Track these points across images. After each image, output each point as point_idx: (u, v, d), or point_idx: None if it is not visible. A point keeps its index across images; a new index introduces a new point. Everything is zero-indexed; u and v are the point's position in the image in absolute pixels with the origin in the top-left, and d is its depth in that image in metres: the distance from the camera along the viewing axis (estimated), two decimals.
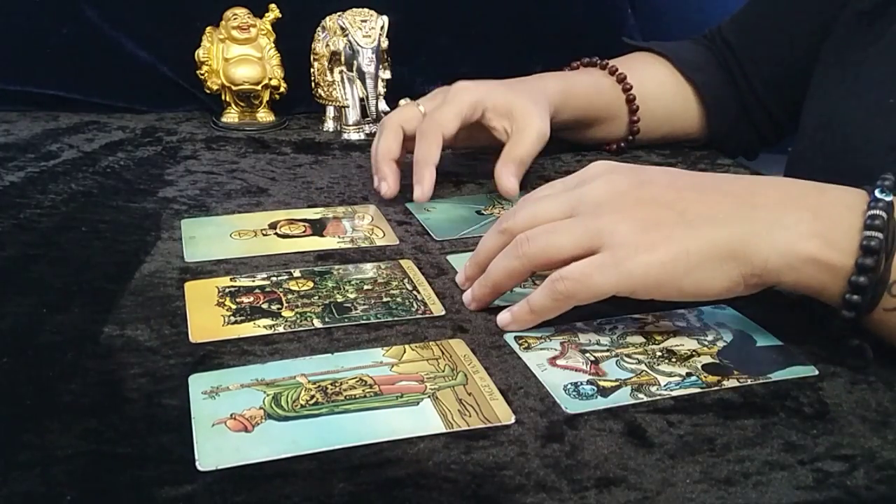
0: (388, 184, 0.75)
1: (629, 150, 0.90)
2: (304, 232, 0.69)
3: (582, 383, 0.49)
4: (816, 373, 0.51)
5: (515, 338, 0.54)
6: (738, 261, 0.49)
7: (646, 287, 0.50)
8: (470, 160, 0.86)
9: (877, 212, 0.48)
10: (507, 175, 0.74)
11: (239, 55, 0.95)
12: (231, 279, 0.61)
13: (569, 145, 0.90)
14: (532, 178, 0.83)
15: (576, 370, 0.51)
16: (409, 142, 0.77)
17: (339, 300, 0.58)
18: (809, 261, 0.48)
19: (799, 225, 0.49)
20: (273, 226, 0.70)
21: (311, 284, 0.60)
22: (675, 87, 0.89)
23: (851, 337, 0.50)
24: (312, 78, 0.96)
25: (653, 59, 0.90)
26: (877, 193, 0.49)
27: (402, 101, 0.84)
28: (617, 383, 0.49)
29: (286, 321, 0.55)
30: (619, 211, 0.52)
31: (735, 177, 0.55)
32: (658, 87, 0.88)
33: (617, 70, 0.86)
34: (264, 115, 0.98)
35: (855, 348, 0.51)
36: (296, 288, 0.59)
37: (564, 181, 0.58)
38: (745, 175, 0.55)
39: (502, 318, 0.55)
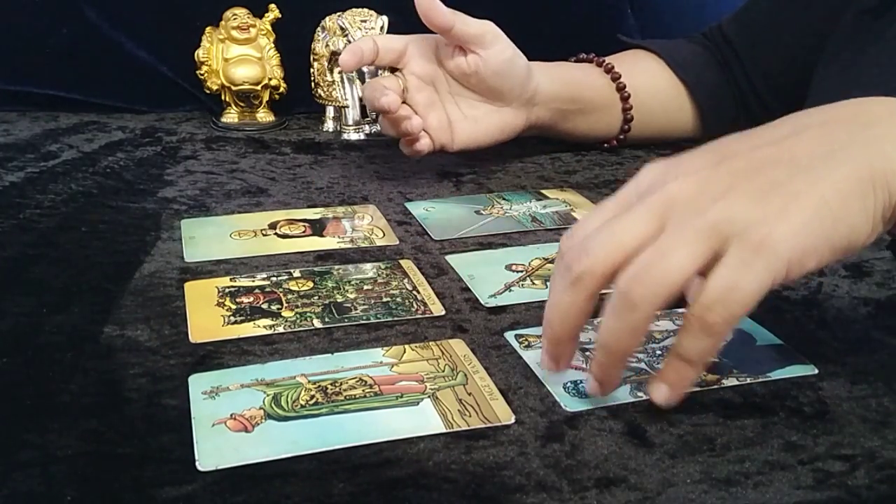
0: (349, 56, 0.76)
1: (628, 149, 0.90)
2: (303, 232, 0.69)
3: (582, 382, 0.49)
4: (816, 372, 0.51)
5: (516, 336, 0.54)
6: (877, 191, 0.41)
7: (801, 261, 0.40)
8: (470, 160, 0.86)
9: None
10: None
11: (239, 55, 0.95)
12: (231, 279, 0.61)
13: (567, 145, 0.90)
14: (532, 179, 0.83)
15: (576, 369, 0.51)
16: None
17: (338, 300, 0.58)
18: None
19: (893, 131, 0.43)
20: (273, 226, 0.70)
21: (310, 284, 0.60)
22: (668, 83, 0.89)
23: None
24: (312, 78, 0.96)
25: (647, 57, 0.90)
26: None
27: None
28: None
29: (286, 321, 0.55)
30: (722, 196, 0.41)
31: (811, 110, 0.46)
32: (651, 82, 0.88)
33: (607, 63, 0.86)
34: (264, 116, 0.98)
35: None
36: (296, 288, 0.59)
37: (622, 194, 0.46)
38: (812, 109, 0.46)
39: (659, 393, 0.44)
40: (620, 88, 0.86)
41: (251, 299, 0.58)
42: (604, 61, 0.87)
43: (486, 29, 0.76)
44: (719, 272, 0.40)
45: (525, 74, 0.79)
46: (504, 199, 0.77)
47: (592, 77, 0.86)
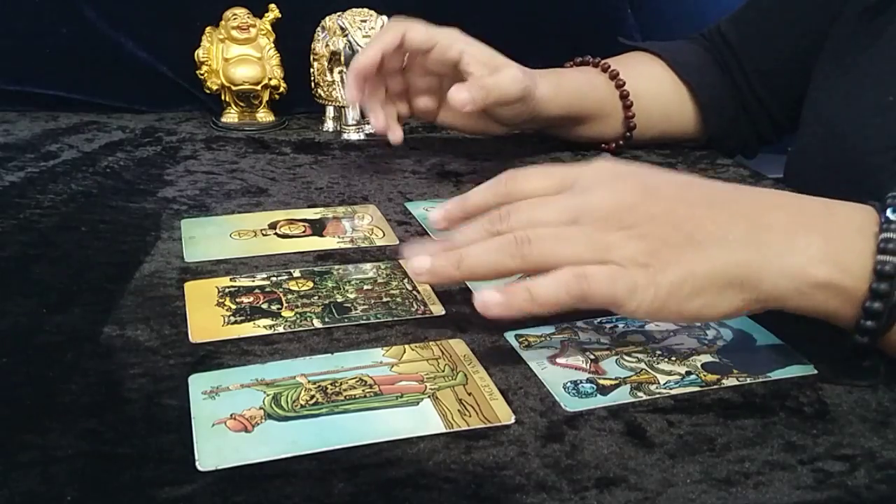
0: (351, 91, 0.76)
1: (628, 149, 0.90)
2: (303, 232, 0.69)
3: (582, 381, 0.49)
4: (816, 372, 0.51)
5: (516, 336, 0.54)
6: (744, 287, 0.47)
7: (649, 309, 0.48)
8: (470, 160, 0.86)
9: (890, 234, 0.46)
10: (460, 88, 0.73)
11: (239, 55, 0.95)
12: (231, 279, 0.61)
13: (568, 145, 0.90)
14: None
15: (576, 368, 0.51)
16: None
17: (338, 300, 0.58)
18: (821, 286, 0.47)
19: (809, 249, 0.47)
20: (273, 226, 0.70)
21: (310, 284, 0.60)
22: (670, 86, 0.89)
23: (863, 358, 0.49)
24: (312, 78, 0.96)
25: (648, 59, 0.90)
26: (888, 214, 0.47)
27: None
28: (616, 381, 0.49)
29: (286, 321, 0.55)
30: (626, 227, 0.48)
31: (744, 190, 0.52)
32: (652, 85, 0.88)
33: (610, 67, 0.86)
34: (264, 116, 0.98)
35: (866, 367, 0.50)
36: (296, 288, 0.59)
37: (563, 175, 0.53)
38: (752, 188, 0.52)
39: (488, 298, 0.49)
40: (624, 96, 0.85)
41: (251, 299, 0.58)
42: (607, 66, 0.86)
43: (510, 76, 0.76)
44: (608, 268, 0.48)
45: (528, 97, 0.78)
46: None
47: (595, 83, 0.85)
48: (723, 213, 0.49)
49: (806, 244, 0.47)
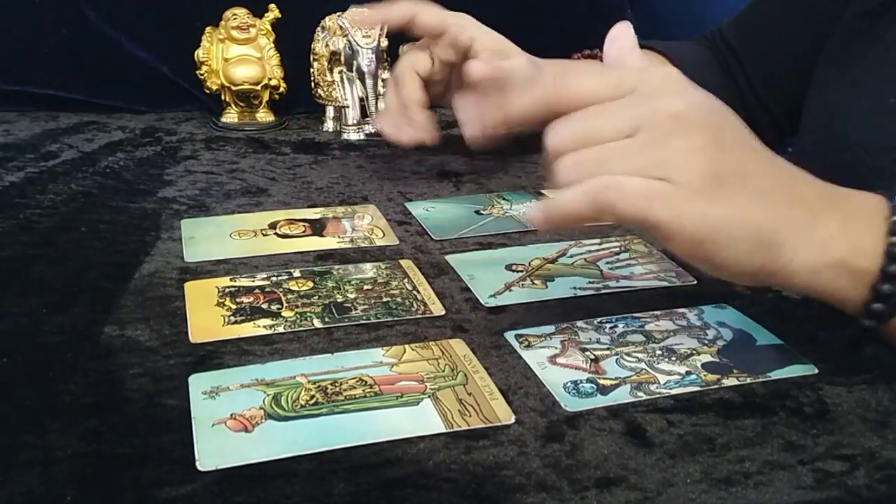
0: (415, 131, 0.75)
1: None
2: (303, 232, 0.69)
3: (582, 381, 0.49)
4: (816, 371, 0.51)
5: (516, 336, 0.54)
6: (770, 250, 0.47)
7: (691, 240, 0.46)
8: (470, 160, 0.86)
9: None
10: (476, 61, 0.70)
11: (238, 55, 0.95)
12: (231, 279, 0.61)
13: None
14: (532, 179, 0.83)
15: (576, 368, 0.51)
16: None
17: (338, 300, 0.58)
18: (835, 265, 0.47)
19: (830, 226, 0.47)
20: (273, 226, 0.70)
21: (310, 284, 0.60)
22: None
23: (864, 349, 0.50)
24: (312, 78, 0.96)
25: (652, 57, 0.90)
26: None
27: (402, 48, 0.84)
28: (617, 381, 0.49)
29: (286, 321, 0.55)
30: (692, 139, 0.46)
31: (781, 160, 0.50)
32: None
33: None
34: (264, 116, 0.98)
35: (868, 357, 0.50)
36: (296, 288, 0.59)
37: (620, 76, 0.49)
38: (782, 160, 0.50)
39: (534, 216, 0.49)
40: None
41: (251, 299, 0.58)
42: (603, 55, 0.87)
43: (521, 68, 0.75)
44: (646, 182, 0.45)
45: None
46: (504, 199, 0.77)
47: None
48: (769, 169, 0.48)
49: (827, 221, 0.47)
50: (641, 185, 0.45)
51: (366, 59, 0.88)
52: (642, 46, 0.91)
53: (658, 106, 0.47)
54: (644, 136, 0.46)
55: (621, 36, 0.53)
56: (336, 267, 0.63)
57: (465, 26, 0.75)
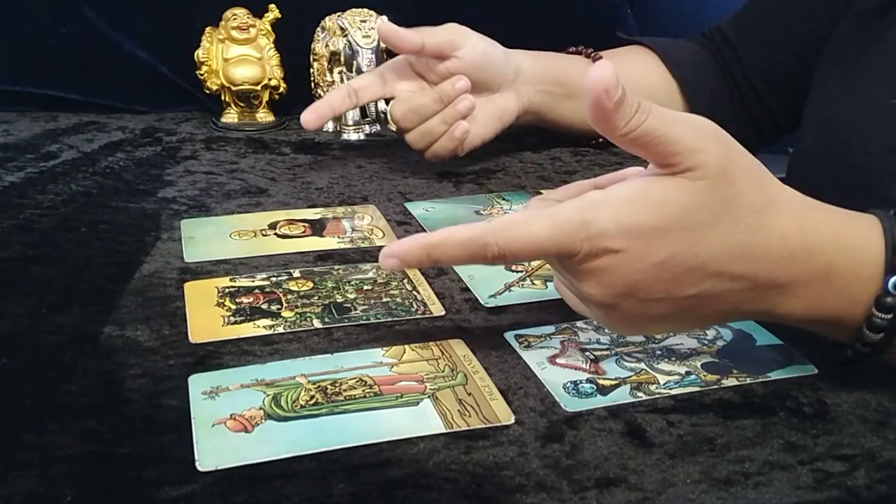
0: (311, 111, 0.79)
1: None
2: (303, 232, 0.69)
3: (581, 382, 0.49)
4: (816, 372, 0.51)
5: (516, 336, 0.54)
6: (728, 320, 0.52)
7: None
8: (469, 160, 0.86)
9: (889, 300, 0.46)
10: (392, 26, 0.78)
11: (238, 55, 0.95)
12: (231, 279, 0.61)
13: (566, 144, 0.90)
14: (532, 179, 0.83)
15: (576, 368, 0.51)
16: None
17: (338, 300, 0.58)
18: (819, 322, 0.48)
19: (816, 304, 0.47)
20: (273, 226, 0.70)
21: (310, 285, 0.60)
22: (659, 79, 0.89)
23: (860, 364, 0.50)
24: (312, 78, 0.96)
25: (642, 52, 0.90)
26: (890, 287, 0.46)
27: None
28: (616, 382, 0.49)
29: (286, 321, 0.55)
30: (601, 307, 0.47)
31: (749, 248, 0.45)
32: (640, 75, 0.88)
33: (593, 53, 0.87)
34: (264, 116, 0.98)
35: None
36: (295, 288, 0.59)
37: (562, 247, 0.45)
38: (769, 225, 0.46)
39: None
40: None
41: (251, 299, 0.58)
42: (592, 52, 0.88)
43: (452, 33, 0.79)
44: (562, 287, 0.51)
45: (503, 58, 0.82)
46: (504, 199, 0.77)
47: (580, 64, 0.86)
48: (718, 298, 0.46)
49: (792, 303, 0.47)
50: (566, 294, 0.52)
51: (365, 60, 0.88)
52: (637, 42, 0.91)
53: (585, 293, 0.46)
54: (563, 267, 0.47)
55: (599, 82, 0.46)
56: (336, 267, 0.63)
57: (453, 41, 0.79)
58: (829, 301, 0.47)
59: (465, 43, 0.79)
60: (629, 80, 0.92)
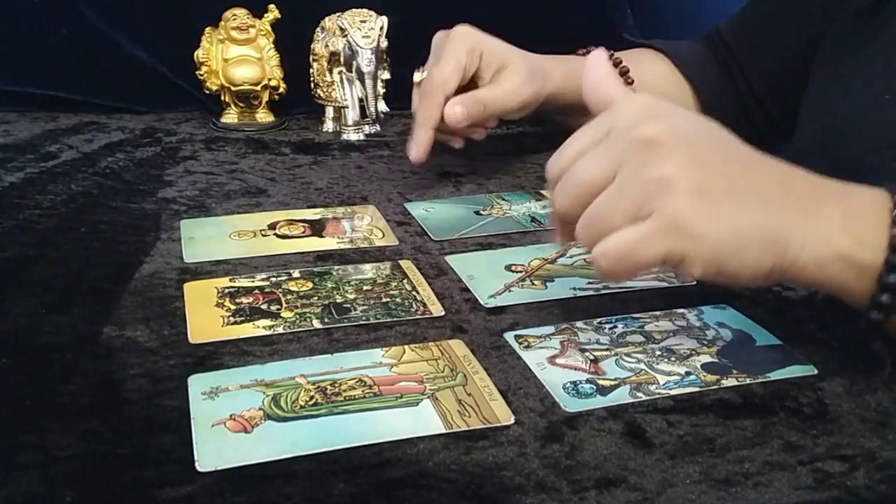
0: (417, 148, 0.76)
1: None
2: (303, 232, 0.69)
3: (581, 382, 0.49)
4: (816, 372, 0.51)
5: (516, 336, 0.54)
6: (776, 249, 0.46)
7: (701, 262, 0.46)
8: (469, 160, 0.86)
9: None
10: (454, 104, 0.74)
11: (238, 56, 0.95)
12: (230, 280, 0.61)
13: None
14: (532, 179, 0.83)
15: (575, 369, 0.51)
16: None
17: (338, 301, 0.58)
18: (840, 258, 0.47)
19: (831, 220, 0.47)
20: (272, 226, 0.70)
21: (310, 285, 0.60)
22: (673, 83, 0.89)
23: (874, 340, 0.49)
24: (312, 78, 0.96)
25: (653, 56, 0.90)
26: None
27: (416, 75, 0.84)
28: (616, 382, 0.49)
29: (285, 322, 0.55)
30: (667, 173, 0.46)
31: (768, 157, 0.50)
32: (657, 81, 0.88)
33: (621, 62, 0.86)
34: (264, 116, 0.98)
35: (875, 356, 0.49)
36: (295, 288, 0.59)
37: (596, 124, 0.50)
38: (776, 160, 0.50)
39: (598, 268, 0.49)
40: (629, 83, 0.86)
41: (251, 300, 0.58)
42: (619, 60, 0.87)
43: (507, 89, 0.77)
44: (626, 233, 0.46)
45: (531, 104, 0.80)
46: (504, 199, 0.77)
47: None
48: (757, 171, 0.48)
49: (828, 214, 0.47)
50: (620, 240, 0.47)
51: (365, 60, 0.88)
52: (644, 45, 0.92)
53: (630, 138, 0.47)
54: (623, 177, 0.47)
55: (597, 63, 0.54)
56: (335, 267, 0.63)
57: (472, 50, 0.77)
58: (857, 210, 0.47)
59: (514, 98, 0.78)
60: (644, 84, 0.93)
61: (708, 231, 0.45)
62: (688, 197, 0.45)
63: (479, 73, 0.77)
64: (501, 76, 0.77)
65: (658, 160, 0.46)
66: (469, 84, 0.78)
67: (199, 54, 0.95)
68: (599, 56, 0.54)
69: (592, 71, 0.54)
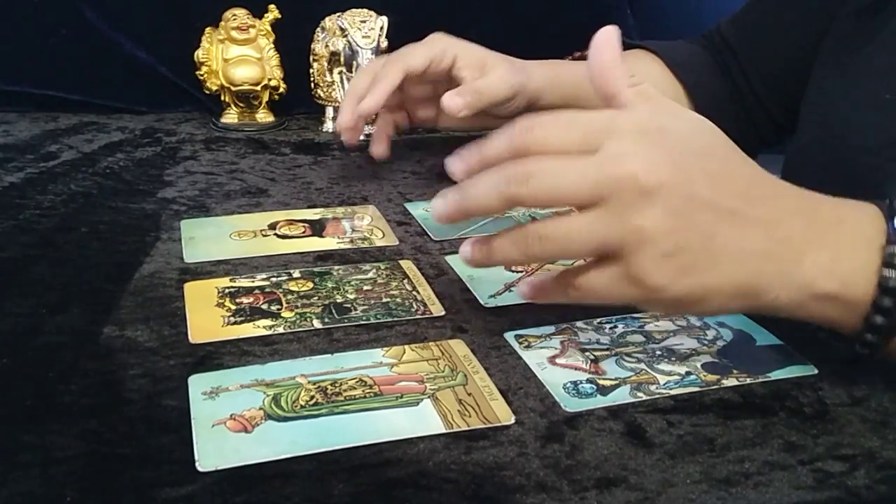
0: (342, 118, 0.77)
1: None
2: (303, 232, 0.69)
3: (581, 382, 0.49)
4: (816, 372, 0.51)
5: (516, 336, 0.54)
6: (747, 297, 0.46)
7: (654, 307, 0.49)
8: None
9: (895, 248, 0.46)
10: (452, 95, 0.74)
11: (238, 56, 0.95)
12: (231, 280, 0.61)
13: None
14: None
15: (576, 369, 0.51)
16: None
17: (338, 301, 0.58)
18: (824, 298, 0.46)
19: (818, 265, 0.46)
20: (273, 226, 0.70)
21: (310, 285, 0.60)
22: (666, 84, 0.89)
23: (863, 363, 0.49)
24: (312, 78, 0.96)
25: (646, 57, 0.90)
26: None
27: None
28: (616, 382, 0.49)
29: (286, 322, 0.55)
30: (649, 225, 0.44)
31: (767, 182, 0.48)
32: (648, 81, 0.88)
33: None
34: (264, 116, 0.98)
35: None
36: (295, 288, 0.59)
37: (586, 129, 0.47)
38: (773, 179, 0.49)
39: (522, 289, 0.50)
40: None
41: (251, 300, 0.58)
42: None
43: (499, 77, 0.77)
44: (599, 273, 0.46)
45: (521, 93, 0.80)
46: None
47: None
48: (745, 214, 0.46)
49: (815, 259, 0.46)
50: (594, 279, 0.46)
51: (365, 60, 0.88)
52: (637, 46, 0.92)
53: (625, 173, 0.44)
54: (604, 210, 0.44)
55: (605, 46, 0.50)
56: (336, 267, 0.63)
57: (445, 49, 0.77)
58: (847, 251, 0.47)
59: (497, 94, 0.78)
60: None
61: (669, 287, 0.45)
62: (657, 259, 0.44)
63: (458, 74, 0.77)
64: (486, 69, 0.77)
65: (644, 207, 0.44)
66: (450, 86, 0.78)
67: (200, 54, 0.95)
68: (609, 36, 0.50)
69: (598, 54, 0.51)
